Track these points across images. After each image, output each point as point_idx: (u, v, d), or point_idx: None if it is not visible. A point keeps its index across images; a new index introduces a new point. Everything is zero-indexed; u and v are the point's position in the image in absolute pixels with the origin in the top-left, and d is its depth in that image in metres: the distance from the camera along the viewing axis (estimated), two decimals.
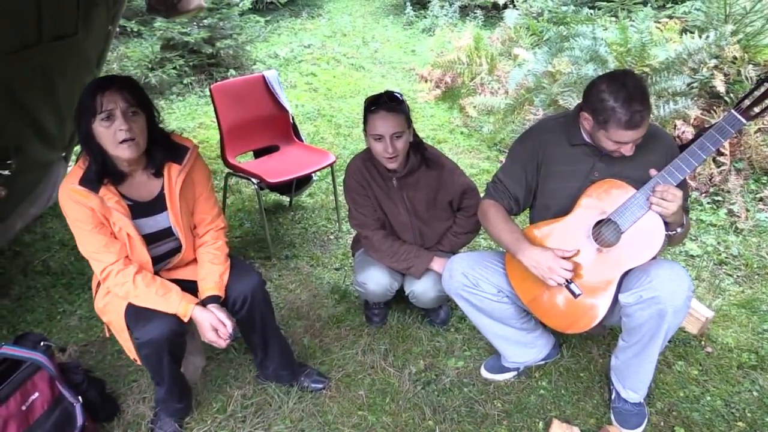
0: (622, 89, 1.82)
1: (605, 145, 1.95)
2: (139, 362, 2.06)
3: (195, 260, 2.21)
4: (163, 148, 2.04)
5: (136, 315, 1.98)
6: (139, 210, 2.03)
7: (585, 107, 1.96)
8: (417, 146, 2.47)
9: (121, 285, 1.98)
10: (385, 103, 2.30)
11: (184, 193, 2.09)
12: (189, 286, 2.10)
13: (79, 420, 2.06)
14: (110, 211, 1.94)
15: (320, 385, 2.39)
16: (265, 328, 2.25)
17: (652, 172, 1.91)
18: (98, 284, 2.12)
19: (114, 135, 1.85)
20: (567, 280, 2.01)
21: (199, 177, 2.16)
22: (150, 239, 2.07)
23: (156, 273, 2.09)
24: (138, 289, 1.97)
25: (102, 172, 1.93)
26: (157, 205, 2.07)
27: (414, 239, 2.58)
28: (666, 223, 1.93)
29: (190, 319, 2.01)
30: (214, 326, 2.00)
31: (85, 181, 1.91)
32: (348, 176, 2.55)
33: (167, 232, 2.12)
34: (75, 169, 1.95)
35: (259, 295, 2.18)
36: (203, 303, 2.05)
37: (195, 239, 2.21)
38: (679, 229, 1.98)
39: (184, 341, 2.10)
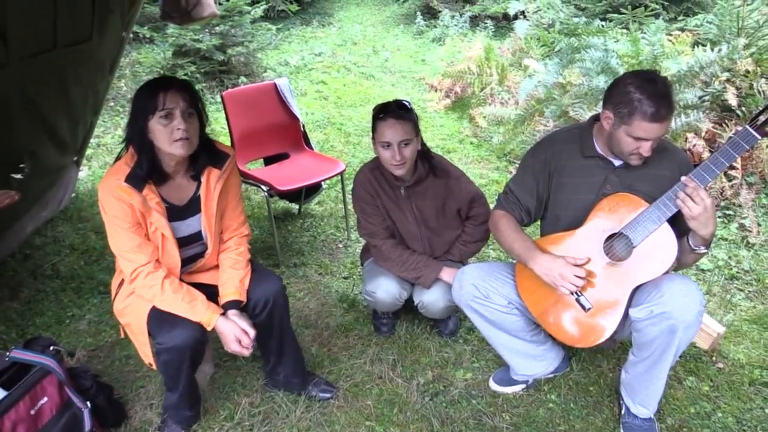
0: (650, 84, 1.83)
1: (624, 146, 1.93)
2: (154, 367, 2.06)
3: (217, 266, 2.22)
4: (206, 153, 2.07)
5: (160, 320, 1.98)
6: (174, 213, 2.06)
7: (607, 104, 1.94)
8: (425, 155, 2.48)
9: (149, 288, 1.98)
10: (393, 110, 2.32)
11: (219, 199, 2.11)
12: (209, 291, 2.11)
13: (87, 425, 2.06)
14: (150, 210, 1.96)
15: (328, 395, 2.39)
16: (282, 333, 2.25)
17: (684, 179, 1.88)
18: (119, 285, 2.13)
19: (171, 133, 1.88)
20: (577, 293, 2.00)
21: (233, 184, 2.19)
22: (180, 242, 2.09)
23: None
24: (165, 293, 1.98)
25: (150, 171, 1.95)
26: (191, 208, 2.10)
27: (423, 248, 2.57)
28: (690, 234, 1.91)
29: (212, 328, 2.01)
30: (238, 337, 2.00)
31: (131, 179, 1.93)
32: (356, 186, 2.55)
33: (196, 236, 2.14)
34: (120, 165, 1.96)
35: (280, 300, 2.19)
36: (224, 308, 2.06)
37: (220, 245, 2.22)
38: (703, 248, 1.94)
39: (204, 350, 2.10)
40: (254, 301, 2.15)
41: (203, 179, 2.08)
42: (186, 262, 2.15)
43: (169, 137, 1.89)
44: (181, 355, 1.98)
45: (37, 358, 2.00)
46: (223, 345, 2.04)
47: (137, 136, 1.92)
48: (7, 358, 1.97)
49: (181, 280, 2.09)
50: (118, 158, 2.02)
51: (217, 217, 2.15)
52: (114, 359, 2.64)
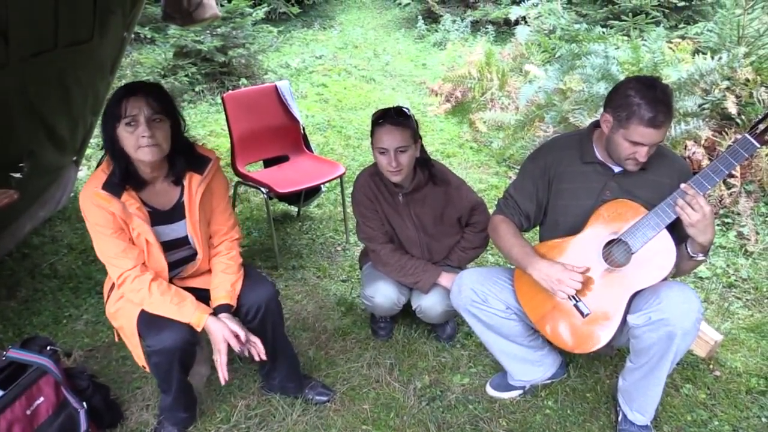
0: (650, 89, 1.83)
1: (621, 150, 1.93)
2: (147, 369, 2.06)
3: (209, 270, 2.21)
4: (185, 158, 2.05)
5: (149, 322, 1.97)
6: (158, 217, 2.05)
7: (607, 107, 1.95)
8: (424, 163, 2.47)
9: (137, 291, 1.98)
10: (391, 117, 2.31)
11: (203, 203, 2.10)
12: (202, 295, 2.10)
13: (83, 426, 2.05)
14: (131, 216, 1.95)
15: (325, 398, 2.38)
16: (275, 339, 2.24)
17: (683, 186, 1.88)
18: (111, 289, 2.12)
19: (137, 140, 1.87)
20: (575, 299, 2.00)
21: (218, 188, 2.17)
22: (167, 246, 2.08)
23: (170, 281, 2.09)
24: (153, 296, 1.97)
25: (125, 178, 1.94)
26: (176, 213, 2.08)
27: (422, 254, 2.57)
28: (689, 241, 1.91)
29: (203, 328, 2.00)
30: (227, 338, 1.99)
31: (108, 186, 1.93)
32: (356, 190, 2.55)
33: (183, 241, 2.13)
34: (98, 173, 1.96)
35: (273, 306, 2.18)
36: (215, 312, 2.05)
37: (210, 249, 2.21)
38: (701, 256, 1.94)
39: (195, 351, 2.10)
40: (246, 307, 2.13)
41: (185, 184, 2.07)
42: (175, 265, 2.15)
43: (135, 144, 1.87)
44: (171, 357, 1.97)
45: (34, 357, 2.00)
46: (212, 346, 2.02)
47: (109, 144, 1.92)
48: (3, 358, 1.97)
49: (173, 284, 2.08)
50: (99, 165, 2.01)
51: (203, 222, 2.13)
52: (111, 360, 2.63)
